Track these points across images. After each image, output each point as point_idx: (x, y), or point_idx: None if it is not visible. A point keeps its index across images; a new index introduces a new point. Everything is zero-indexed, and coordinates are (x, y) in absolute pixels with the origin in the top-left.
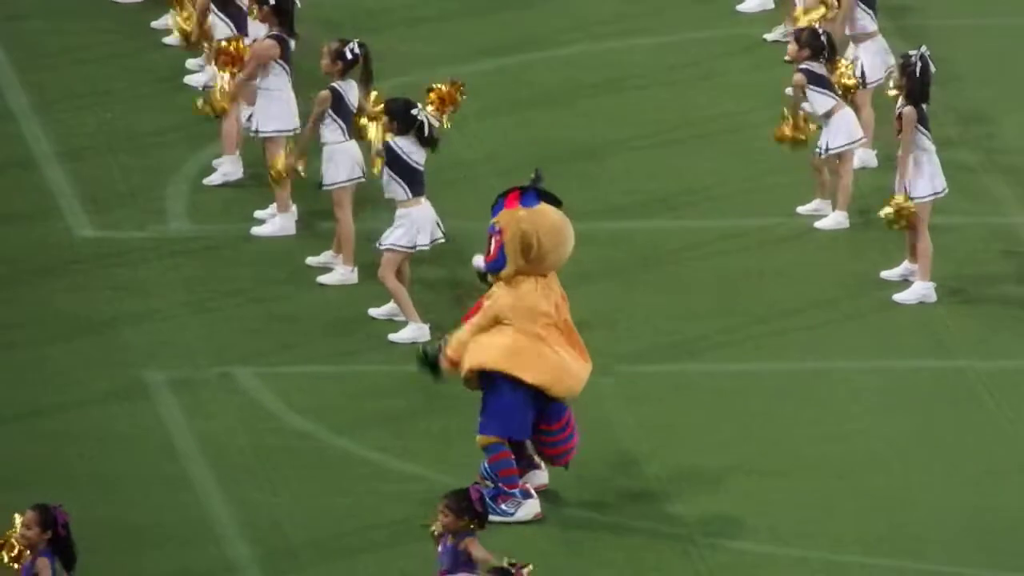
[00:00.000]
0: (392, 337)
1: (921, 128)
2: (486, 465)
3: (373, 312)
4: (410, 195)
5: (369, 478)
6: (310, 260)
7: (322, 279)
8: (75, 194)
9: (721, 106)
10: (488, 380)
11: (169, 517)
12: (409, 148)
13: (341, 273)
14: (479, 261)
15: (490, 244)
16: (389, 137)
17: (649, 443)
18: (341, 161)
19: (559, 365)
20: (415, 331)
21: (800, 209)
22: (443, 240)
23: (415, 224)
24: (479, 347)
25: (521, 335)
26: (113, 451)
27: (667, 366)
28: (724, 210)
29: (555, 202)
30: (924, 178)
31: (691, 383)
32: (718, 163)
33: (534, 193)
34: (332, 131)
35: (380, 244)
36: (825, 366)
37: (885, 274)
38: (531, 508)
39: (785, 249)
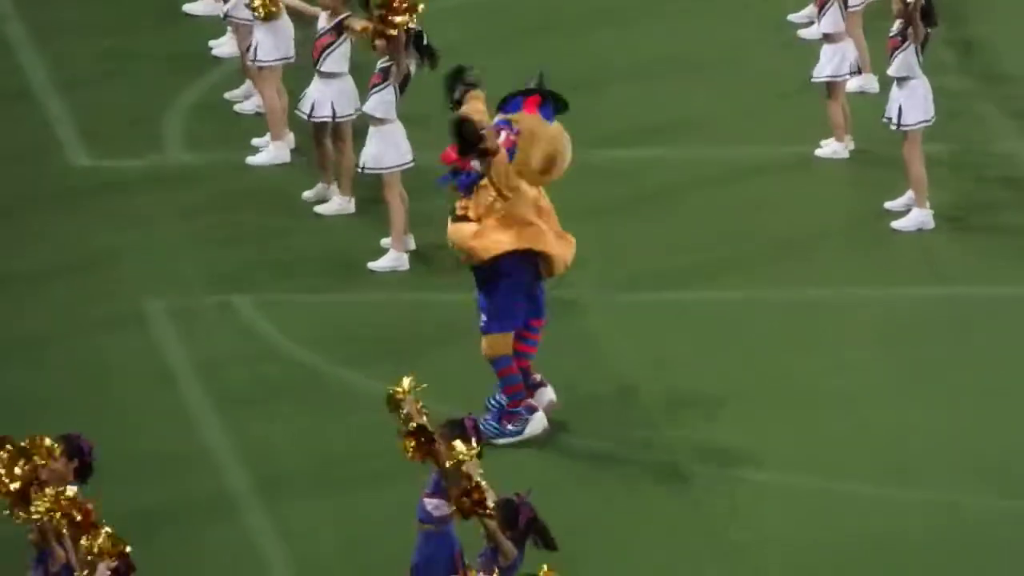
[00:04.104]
0: (371, 265)
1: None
2: (498, 383)
3: (372, 265)
4: (395, 116)
5: (366, 408)
6: (306, 195)
7: (319, 209)
8: (72, 124)
9: (718, 36)
10: (488, 275)
11: (166, 445)
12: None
13: (338, 203)
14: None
15: (498, 134)
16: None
17: (646, 372)
18: (348, 94)
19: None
20: (394, 260)
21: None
22: (411, 164)
23: (397, 141)
24: (487, 239)
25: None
26: (111, 380)
27: (664, 295)
28: (721, 140)
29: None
30: (919, 105)
31: (688, 312)
32: (714, 93)
33: (552, 107)
34: (338, 63)
35: (364, 168)
36: (822, 295)
37: (889, 204)
38: (538, 424)
39: (782, 179)
